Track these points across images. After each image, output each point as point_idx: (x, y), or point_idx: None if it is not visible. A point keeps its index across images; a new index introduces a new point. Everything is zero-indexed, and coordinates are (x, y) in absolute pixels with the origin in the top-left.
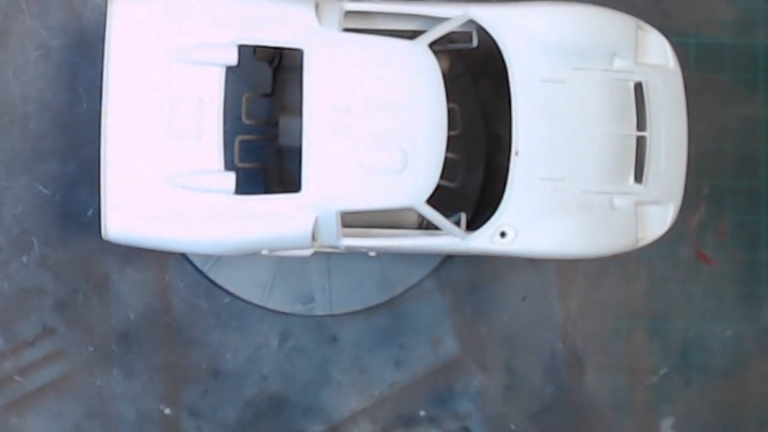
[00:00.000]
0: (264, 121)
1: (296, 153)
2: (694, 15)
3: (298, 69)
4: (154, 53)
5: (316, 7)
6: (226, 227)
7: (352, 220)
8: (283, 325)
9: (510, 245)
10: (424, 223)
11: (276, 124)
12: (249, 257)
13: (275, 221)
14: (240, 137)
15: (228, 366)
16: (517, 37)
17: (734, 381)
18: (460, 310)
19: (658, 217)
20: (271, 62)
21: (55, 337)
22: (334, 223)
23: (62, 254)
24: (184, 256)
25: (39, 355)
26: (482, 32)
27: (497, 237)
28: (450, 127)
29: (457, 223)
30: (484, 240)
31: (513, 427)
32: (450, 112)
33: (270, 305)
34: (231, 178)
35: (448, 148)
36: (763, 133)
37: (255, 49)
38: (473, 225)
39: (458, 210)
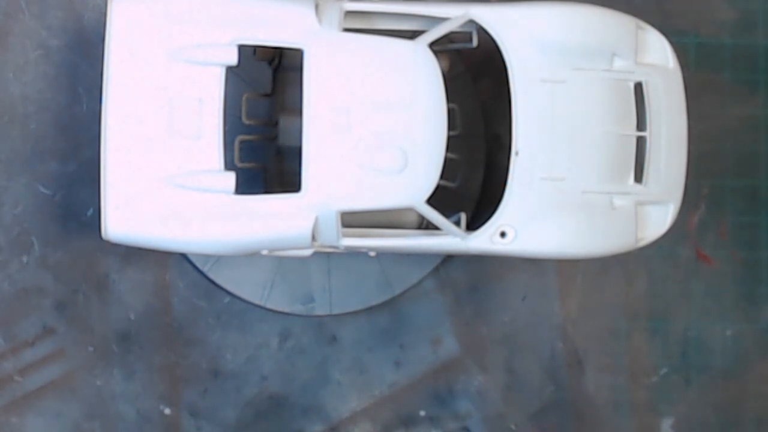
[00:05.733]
0: (264, 121)
1: (296, 153)
2: (694, 15)
3: (298, 69)
4: (154, 53)
5: (316, 7)
6: (226, 227)
7: (352, 220)
8: (283, 325)
9: (510, 245)
10: (424, 223)
11: (276, 124)
12: (249, 257)
13: (275, 221)
14: (240, 137)
15: (228, 366)
16: (517, 37)
17: (734, 381)
18: (460, 310)
19: (658, 217)
20: (271, 62)
21: (55, 337)
22: (334, 223)
23: (62, 254)
24: (184, 256)
25: (39, 355)
26: (482, 32)
27: (497, 237)
28: (450, 127)
29: (457, 223)
30: (484, 240)
31: (513, 427)
32: (450, 112)
33: (270, 305)
34: (231, 178)
35: (448, 148)
36: (763, 133)
37: (255, 49)
38: (473, 225)
39: (458, 210)
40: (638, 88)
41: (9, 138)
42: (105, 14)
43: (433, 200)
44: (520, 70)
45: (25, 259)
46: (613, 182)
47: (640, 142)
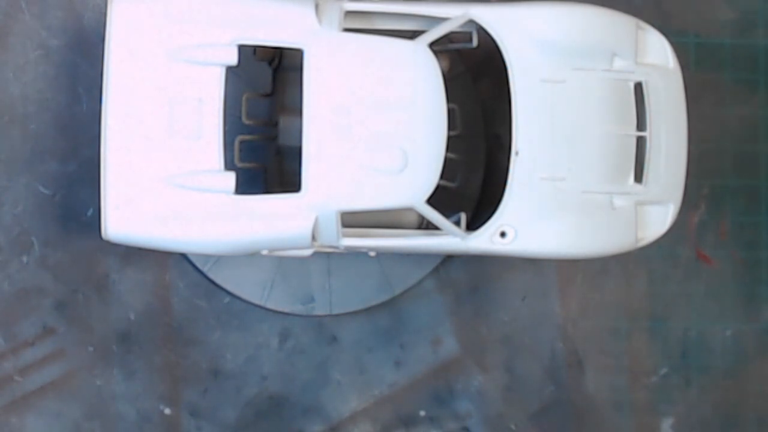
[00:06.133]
0: (264, 121)
1: (296, 153)
2: (694, 15)
3: (298, 69)
4: (154, 53)
5: (316, 7)
6: (226, 227)
7: (352, 220)
8: (283, 325)
9: (510, 245)
10: (424, 223)
11: (276, 124)
12: (249, 257)
13: (275, 221)
14: (240, 137)
15: (228, 366)
16: (517, 37)
17: (734, 381)
18: (460, 310)
19: (658, 217)
20: (271, 62)
21: (55, 337)
22: (334, 223)
23: (62, 254)
24: (184, 256)
25: (39, 355)
26: (482, 32)
27: (497, 237)
28: (450, 127)
29: (457, 223)
30: (484, 240)
31: (513, 427)
32: (450, 112)
33: (270, 305)
34: (231, 178)
35: (448, 148)
36: (763, 133)
37: (255, 49)
38: (473, 225)
39: (458, 210)
40: (638, 88)
41: (9, 138)
42: (105, 14)
43: (433, 200)
44: (520, 70)
45: (25, 259)
46: (613, 182)
47: (640, 142)
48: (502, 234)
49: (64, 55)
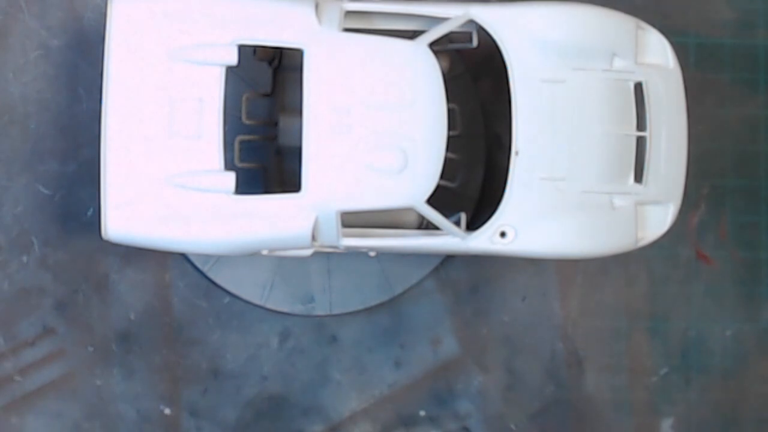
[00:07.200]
0: (264, 121)
1: (296, 153)
2: (694, 15)
3: (298, 69)
4: (154, 53)
5: (316, 7)
6: (226, 227)
7: (352, 220)
8: (283, 325)
9: (510, 245)
10: (424, 223)
11: (276, 124)
12: (249, 257)
13: (275, 221)
14: (240, 137)
15: (228, 366)
16: (517, 37)
17: (734, 381)
18: (460, 310)
19: (658, 217)
20: (271, 62)
21: (55, 337)
22: (334, 223)
23: (62, 254)
24: (184, 256)
25: (39, 355)
26: (482, 32)
27: (497, 237)
28: (450, 127)
29: (457, 223)
30: (484, 240)
31: (513, 427)
32: (450, 112)
33: (270, 305)
34: (231, 178)
35: (448, 148)
36: (763, 133)
37: (255, 49)
38: (473, 225)
39: (458, 210)
40: (638, 88)
41: (9, 138)
42: (105, 14)
43: (433, 200)
44: (520, 70)
45: (25, 259)
46: (613, 182)
47: (640, 142)
48: (502, 234)
49: (64, 55)
